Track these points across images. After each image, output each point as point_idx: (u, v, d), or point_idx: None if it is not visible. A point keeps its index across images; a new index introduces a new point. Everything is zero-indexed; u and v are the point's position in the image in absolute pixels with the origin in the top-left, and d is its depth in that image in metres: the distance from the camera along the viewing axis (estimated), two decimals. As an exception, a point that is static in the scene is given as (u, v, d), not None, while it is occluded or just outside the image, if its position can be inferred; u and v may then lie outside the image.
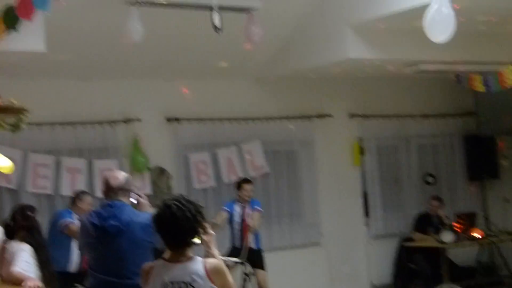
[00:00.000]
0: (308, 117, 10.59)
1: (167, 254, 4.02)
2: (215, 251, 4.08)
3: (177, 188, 9.50)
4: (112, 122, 9.09)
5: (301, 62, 9.44)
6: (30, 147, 8.56)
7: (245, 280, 8.82)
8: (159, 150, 9.46)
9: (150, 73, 9.32)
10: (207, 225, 4.06)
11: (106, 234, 4.80)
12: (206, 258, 4.02)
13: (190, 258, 3.95)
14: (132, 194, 5.16)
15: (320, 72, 9.89)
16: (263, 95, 10.30)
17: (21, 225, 5.17)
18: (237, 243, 8.93)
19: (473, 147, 11.63)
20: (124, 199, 5.00)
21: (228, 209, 8.98)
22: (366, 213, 11.12)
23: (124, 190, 5.03)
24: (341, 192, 10.86)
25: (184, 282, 3.89)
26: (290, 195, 10.44)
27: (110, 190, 5.01)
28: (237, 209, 8.98)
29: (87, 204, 7.70)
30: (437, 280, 9.92)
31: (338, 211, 10.80)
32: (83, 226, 5.05)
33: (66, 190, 8.61)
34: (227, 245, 9.01)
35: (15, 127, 5.73)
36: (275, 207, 10.27)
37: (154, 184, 9.34)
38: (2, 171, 6.56)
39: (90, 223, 4.92)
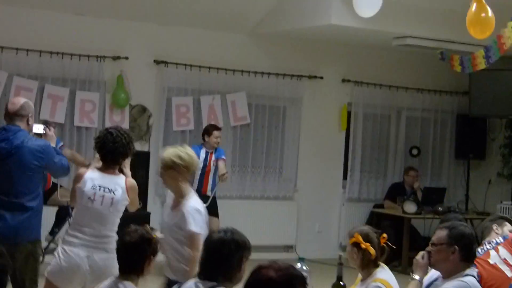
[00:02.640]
0: (299, 76, 10.89)
1: (101, 166, 5.22)
2: (128, 171, 5.34)
3: (156, 127, 9.99)
4: (100, 57, 9.55)
5: (290, 23, 9.78)
6: (16, 71, 9.10)
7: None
8: (144, 90, 9.95)
9: (145, 16, 9.76)
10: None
11: None
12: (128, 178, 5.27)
13: (117, 174, 5.25)
14: (39, 124, 5.70)
15: (308, 35, 10.25)
16: (255, 50, 10.63)
17: None
18: (194, 187, 9.02)
19: (463, 126, 11.78)
20: (20, 124, 5.44)
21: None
22: (345, 176, 11.45)
23: (20, 115, 5.45)
24: (322, 152, 11.20)
25: (109, 188, 5.13)
26: (269, 148, 10.83)
27: (7, 114, 5.49)
28: (202, 154, 9.21)
29: None
30: (399, 247, 10.31)
31: (317, 170, 11.16)
32: None
33: (45, 115, 9.16)
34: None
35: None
36: (252, 158, 10.70)
37: (134, 121, 9.85)
38: None
39: None
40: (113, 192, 5.10)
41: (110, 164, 5.16)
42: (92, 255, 5.03)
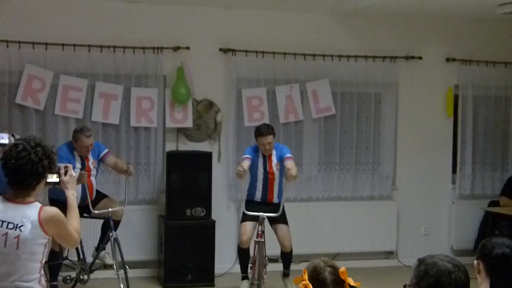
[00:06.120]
0: (393, 57, 9.47)
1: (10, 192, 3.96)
2: (71, 192, 4.07)
3: (225, 124, 8.94)
4: (157, 49, 8.59)
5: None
6: (63, 69, 8.30)
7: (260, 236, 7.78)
8: (209, 83, 8.91)
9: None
10: (66, 167, 4.09)
11: None
12: (46, 206, 3.94)
13: (28, 202, 3.88)
14: (3, 133, 4.88)
15: (396, 9, 8.89)
16: (337, 31, 9.31)
17: None
18: (257, 196, 7.93)
19: None
20: None
21: (250, 156, 7.85)
22: (454, 169, 9.91)
23: None
24: (426, 143, 9.72)
25: (13, 223, 3.83)
26: (359, 141, 9.46)
27: None
28: (260, 158, 7.89)
29: None
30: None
31: (420, 164, 9.69)
32: None
33: (98, 117, 8.34)
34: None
35: None
36: (340, 154, 9.38)
37: (200, 118, 8.84)
38: None
39: None
40: (19, 229, 3.80)
41: (16, 188, 3.88)
42: None
